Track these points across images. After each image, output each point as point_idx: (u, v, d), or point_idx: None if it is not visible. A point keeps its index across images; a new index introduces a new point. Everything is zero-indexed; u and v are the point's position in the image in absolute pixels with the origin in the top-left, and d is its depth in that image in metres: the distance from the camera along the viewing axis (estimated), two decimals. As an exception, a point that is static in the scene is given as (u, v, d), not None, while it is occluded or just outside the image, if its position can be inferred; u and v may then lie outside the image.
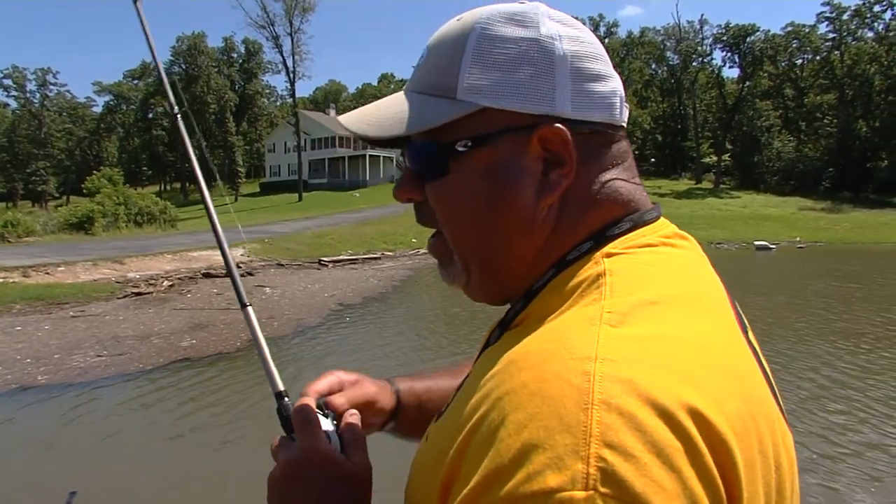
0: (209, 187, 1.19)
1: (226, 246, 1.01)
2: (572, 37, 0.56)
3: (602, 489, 0.37)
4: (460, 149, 0.56)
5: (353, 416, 0.73)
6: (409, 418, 0.84)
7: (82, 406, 5.99)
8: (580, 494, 0.37)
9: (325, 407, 0.74)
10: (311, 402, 0.72)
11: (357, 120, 0.61)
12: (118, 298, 11.22)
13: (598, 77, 0.56)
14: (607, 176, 0.57)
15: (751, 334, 0.55)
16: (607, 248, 0.54)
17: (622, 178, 0.58)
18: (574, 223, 0.56)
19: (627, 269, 0.51)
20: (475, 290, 0.61)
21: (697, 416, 0.40)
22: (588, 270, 0.52)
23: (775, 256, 23.95)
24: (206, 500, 4.33)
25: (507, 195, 0.56)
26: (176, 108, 1.20)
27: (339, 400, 0.76)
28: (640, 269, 0.51)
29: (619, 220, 0.56)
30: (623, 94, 0.59)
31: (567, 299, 0.51)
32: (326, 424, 0.70)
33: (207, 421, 5.69)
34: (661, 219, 0.59)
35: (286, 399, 0.78)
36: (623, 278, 0.50)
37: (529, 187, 0.55)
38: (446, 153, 0.57)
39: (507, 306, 0.61)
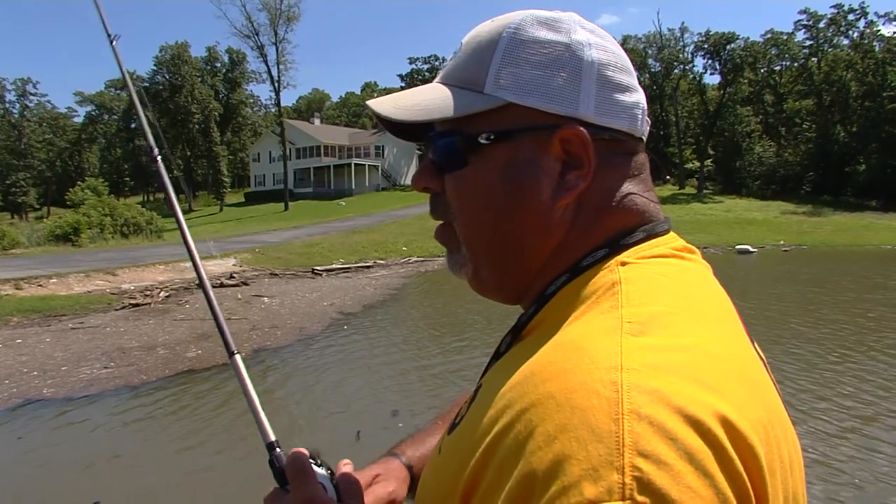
0: (185, 214, 1.15)
1: (212, 294, 0.97)
2: (602, 46, 0.58)
3: (639, 498, 0.37)
4: (482, 141, 0.57)
5: (347, 466, 0.74)
6: None
7: (94, 419, 5.97)
8: None
9: (318, 457, 0.72)
10: (303, 451, 0.71)
11: (384, 103, 0.62)
12: (116, 310, 11.15)
13: (623, 87, 0.58)
14: (624, 184, 0.58)
15: (756, 344, 0.56)
16: (621, 257, 0.55)
17: (638, 189, 0.59)
18: (588, 228, 0.57)
19: (641, 279, 0.52)
20: (482, 283, 0.62)
21: (725, 423, 0.40)
22: (603, 278, 0.53)
23: (755, 260, 24.34)
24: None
25: (523, 192, 0.57)
26: (156, 150, 1.15)
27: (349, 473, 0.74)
28: (654, 280, 0.52)
29: (632, 229, 0.57)
30: (645, 108, 0.61)
31: (581, 305, 0.51)
32: (321, 474, 0.69)
33: (221, 431, 5.69)
34: (671, 232, 0.61)
35: (278, 450, 0.75)
36: (637, 287, 0.50)
37: (546, 186, 0.56)
38: (468, 145, 0.58)
39: (517, 309, 0.63)
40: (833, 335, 9.41)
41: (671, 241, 0.59)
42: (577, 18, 0.60)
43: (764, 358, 0.56)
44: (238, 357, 0.88)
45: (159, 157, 1.15)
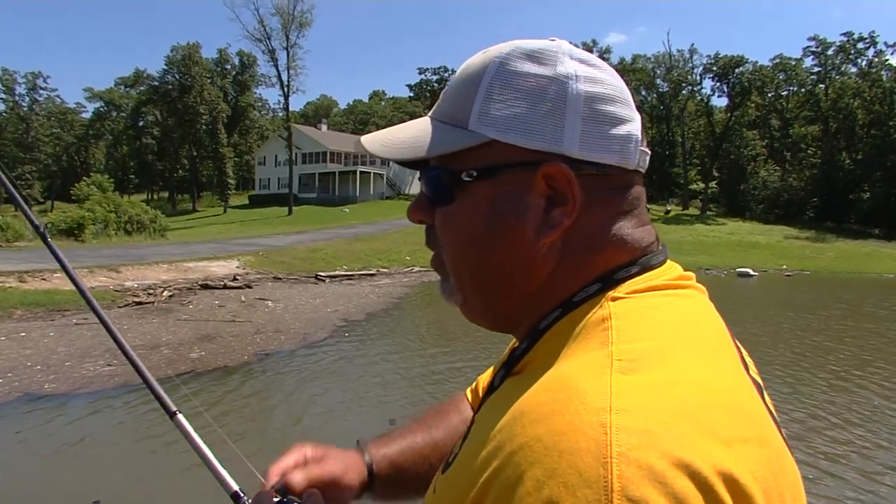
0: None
1: (134, 355, 0.97)
2: (591, 77, 0.56)
3: None
4: (465, 178, 0.57)
5: (310, 498, 0.73)
6: (386, 485, 0.84)
7: (95, 416, 5.95)
8: None
9: (284, 493, 0.72)
10: (267, 493, 0.72)
11: (374, 140, 0.63)
12: (119, 307, 11.13)
13: (613, 119, 0.56)
14: (614, 220, 0.57)
15: (752, 369, 0.55)
16: (613, 292, 0.54)
17: (631, 224, 0.58)
18: (578, 264, 0.56)
19: (631, 313, 0.51)
20: (470, 311, 0.63)
21: (717, 465, 0.39)
22: (594, 314, 0.52)
23: (754, 284, 24.30)
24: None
25: (506, 228, 0.56)
26: None
27: (296, 478, 0.75)
28: (644, 313, 0.51)
29: (627, 264, 0.56)
30: (639, 138, 0.58)
31: (572, 343, 0.51)
32: None
33: (224, 430, 5.65)
34: (668, 262, 0.60)
35: (243, 497, 0.76)
36: (627, 322, 0.50)
37: (530, 223, 0.55)
38: (453, 181, 0.58)
39: (510, 337, 0.64)
40: (806, 362, 9.37)
41: (667, 271, 0.58)
42: (566, 48, 0.58)
43: (761, 383, 0.54)
44: (180, 416, 0.88)
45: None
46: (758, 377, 0.55)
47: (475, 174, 0.56)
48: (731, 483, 0.39)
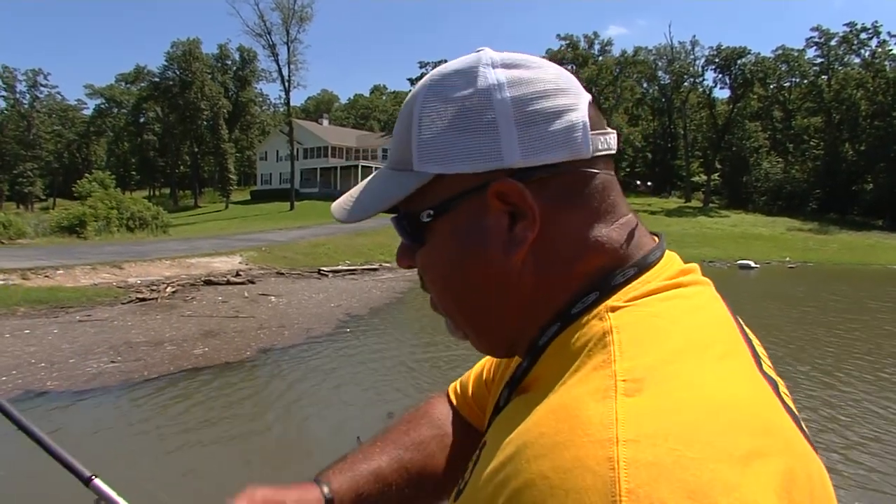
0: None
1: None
2: (515, 80, 0.54)
3: None
4: (425, 219, 0.56)
5: None
6: None
7: (97, 413, 5.94)
8: None
9: None
10: None
11: (338, 207, 0.62)
12: (123, 304, 11.12)
13: (547, 116, 0.53)
14: (586, 220, 0.54)
15: (766, 364, 0.53)
16: (611, 301, 0.51)
17: (604, 220, 0.55)
18: (559, 275, 0.54)
19: (634, 325, 0.49)
20: (476, 345, 0.62)
21: (734, 491, 0.37)
22: (594, 328, 0.50)
23: (755, 276, 24.25)
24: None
25: (474, 257, 0.55)
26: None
27: None
28: (648, 323, 0.49)
29: (618, 266, 0.54)
30: (586, 123, 0.54)
31: (574, 360, 0.49)
32: None
33: (222, 433, 5.64)
34: (666, 254, 0.57)
35: None
36: (630, 335, 0.48)
37: (496, 245, 0.54)
38: (416, 224, 0.57)
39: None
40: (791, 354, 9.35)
41: (666, 268, 0.55)
42: (486, 58, 0.55)
43: (776, 379, 0.52)
44: (98, 480, 0.84)
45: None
46: (772, 372, 0.52)
47: (432, 213, 0.56)
48: (742, 499, 0.37)
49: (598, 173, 0.55)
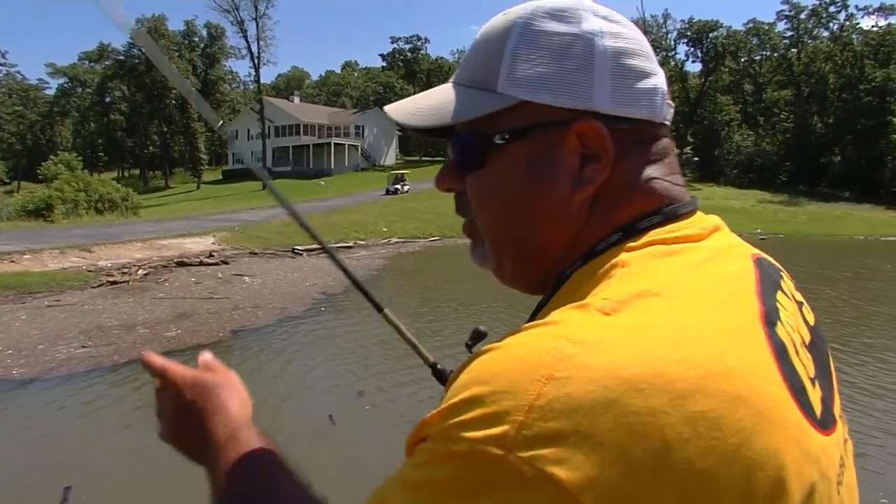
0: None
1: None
2: (615, 33, 0.56)
3: (518, 453, 0.38)
4: (498, 141, 0.56)
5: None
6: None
7: (70, 398, 5.86)
8: (496, 452, 0.38)
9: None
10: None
11: (401, 109, 0.62)
12: (93, 287, 10.94)
13: (639, 74, 0.56)
14: (644, 172, 0.57)
15: (783, 328, 0.50)
16: (632, 242, 0.53)
17: (659, 173, 0.58)
18: (605, 217, 0.56)
19: (640, 261, 0.51)
20: (505, 274, 0.63)
21: (643, 412, 0.38)
22: (607, 261, 0.52)
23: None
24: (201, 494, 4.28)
25: (541, 189, 0.56)
26: None
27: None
28: (653, 262, 0.51)
29: (651, 213, 0.56)
30: (665, 91, 0.59)
31: (581, 289, 0.51)
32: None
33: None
34: (698, 213, 0.59)
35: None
36: (632, 270, 0.50)
37: (565, 181, 0.55)
38: (485, 145, 0.57)
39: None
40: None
41: (694, 223, 0.57)
42: (587, 4, 0.57)
43: (790, 341, 0.50)
44: (388, 310, 0.96)
45: None
46: (788, 335, 0.50)
47: (508, 136, 0.56)
48: (645, 436, 0.38)
49: (664, 137, 0.59)
